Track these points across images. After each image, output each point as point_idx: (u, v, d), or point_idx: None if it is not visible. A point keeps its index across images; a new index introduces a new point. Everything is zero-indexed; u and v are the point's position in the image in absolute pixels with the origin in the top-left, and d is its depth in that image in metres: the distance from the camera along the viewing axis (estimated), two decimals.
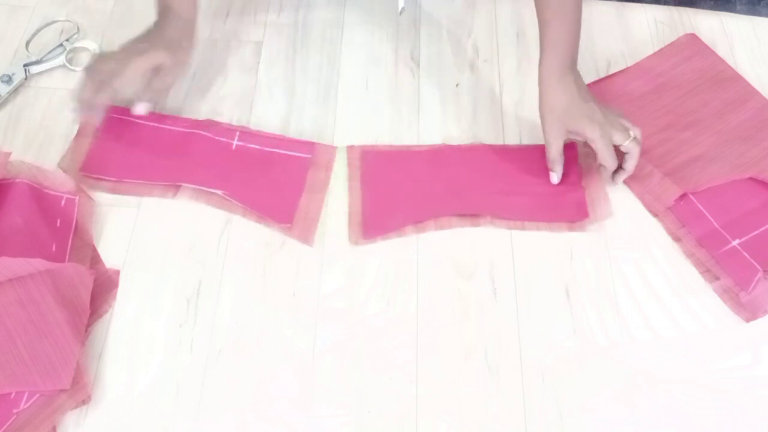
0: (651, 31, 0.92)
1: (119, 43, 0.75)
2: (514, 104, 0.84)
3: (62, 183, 0.73)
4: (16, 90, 0.82)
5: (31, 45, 0.86)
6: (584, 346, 0.67)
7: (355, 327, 0.68)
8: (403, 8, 0.88)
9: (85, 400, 0.62)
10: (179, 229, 0.73)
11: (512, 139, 0.81)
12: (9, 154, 0.73)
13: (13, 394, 0.60)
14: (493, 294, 0.70)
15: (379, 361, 0.66)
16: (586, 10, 0.92)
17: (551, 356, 0.67)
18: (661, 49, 0.88)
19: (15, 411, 0.60)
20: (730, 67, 0.86)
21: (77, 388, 0.61)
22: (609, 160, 0.73)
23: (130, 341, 0.66)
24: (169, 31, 0.76)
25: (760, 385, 0.66)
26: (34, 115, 0.81)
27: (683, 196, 0.75)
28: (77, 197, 0.72)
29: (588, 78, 0.85)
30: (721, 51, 0.89)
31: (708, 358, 0.67)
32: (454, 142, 0.80)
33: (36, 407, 0.60)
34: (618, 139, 0.72)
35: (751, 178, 0.75)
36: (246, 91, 0.84)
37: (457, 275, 0.71)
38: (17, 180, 0.71)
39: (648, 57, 0.87)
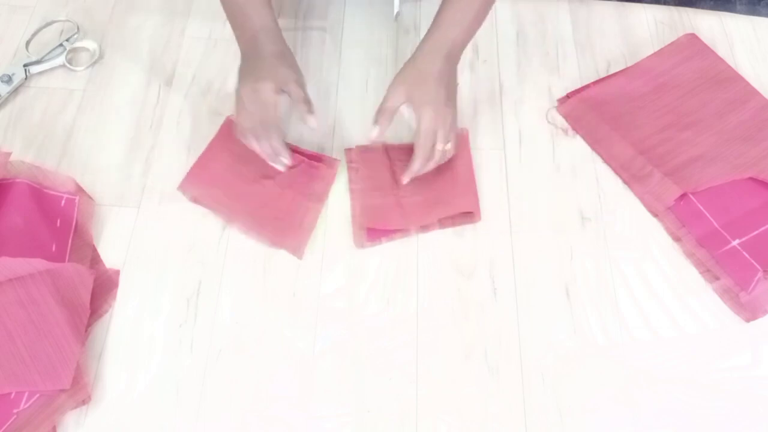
0: (651, 31, 0.92)
1: (118, 44, 0.75)
2: (514, 104, 0.84)
3: (62, 183, 0.73)
4: (16, 90, 0.83)
5: (31, 45, 0.86)
6: (584, 346, 0.67)
7: (355, 327, 0.68)
8: (398, 12, 0.88)
9: (85, 400, 0.62)
10: (179, 229, 0.73)
11: (512, 139, 0.81)
12: (9, 154, 0.73)
13: (13, 394, 0.60)
14: (493, 294, 0.70)
15: (379, 361, 0.66)
16: (586, 10, 0.93)
17: (551, 356, 0.67)
18: (661, 49, 0.88)
19: (15, 411, 0.60)
20: (730, 67, 0.86)
21: (77, 388, 0.61)
22: (419, 158, 0.72)
23: (130, 341, 0.66)
24: (268, 49, 0.73)
25: (760, 385, 0.66)
26: (34, 115, 0.81)
27: (683, 196, 0.75)
28: (77, 197, 0.72)
29: (588, 78, 0.86)
30: (721, 51, 0.89)
31: (708, 358, 0.67)
32: None
33: (36, 407, 0.60)
34: (440, 138, 0.71)
35: (751, 178, 0.75)
36: None
37: (457, 275, 0.71)
38: (17, 180, 0.71)
39: (648, 57, 0.87)
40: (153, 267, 0.71)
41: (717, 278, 0.71)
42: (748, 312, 0.69)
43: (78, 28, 0.88)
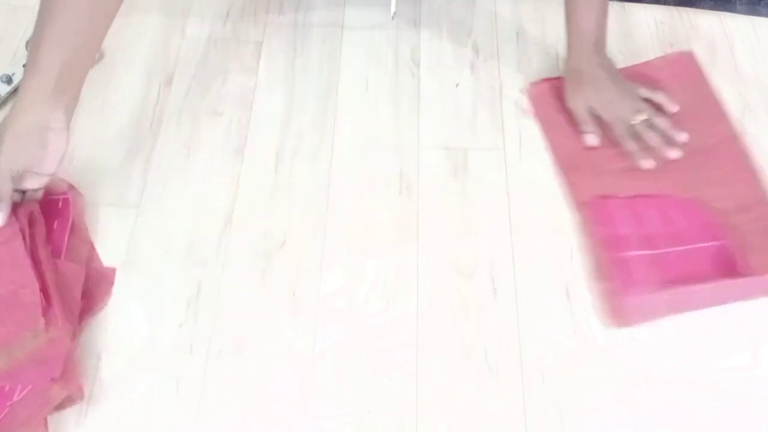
0: (651, 31, 0.92)
1: (118, 44, 0.75)
2: (514, 104, 0.84)
3: (55, 184, 0.73)
4: (15, 90, 0.82)
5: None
6: (584, 346, 0.67)
7: (355, 327, 0.68)
8: (395, 12, 0.88)
9: (76, 392, 0.62)
10: (179, 229, 0.73)
11: (512, 139, 0.81)
12: None
13: (6, 387, 0.61)
14: (493, 294, 0.70)
15: (379, 361, 0.66)
16: None
17: (551, 356, 0.67)
18: (652, 60, 0.87)
19: (8, 404, 0.60)
20: (712, 93, 0.84)
21: (68, 379, 0.61)
22: (625, 141, 0.78)
23: (130, 341, 0.66)
24: (32, 110, 0.62)
25: (760, 385, 0.66)
26: None
27: (604, 197, 0.75)
28: (70, 195, 0.72)
29: None
30: (721, 51, 0.89)
31: (708, 358, 0.67)
32: (453, 144, 0.80)
33: (29, 399, 0.60)
34: (626, 119, 0.78)
35: (684, 202, 0.75)
36: (246, 91, 0.84)
37: (457, 275, 0.71)
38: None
39: (637, 65, 0.87)
40: (153, 267, 0.71)
41: (604, 279, 0.70)
42: (620, 319, 0.68)
43: None
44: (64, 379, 0.61)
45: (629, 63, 0.87)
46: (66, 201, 0.72)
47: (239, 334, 0.67)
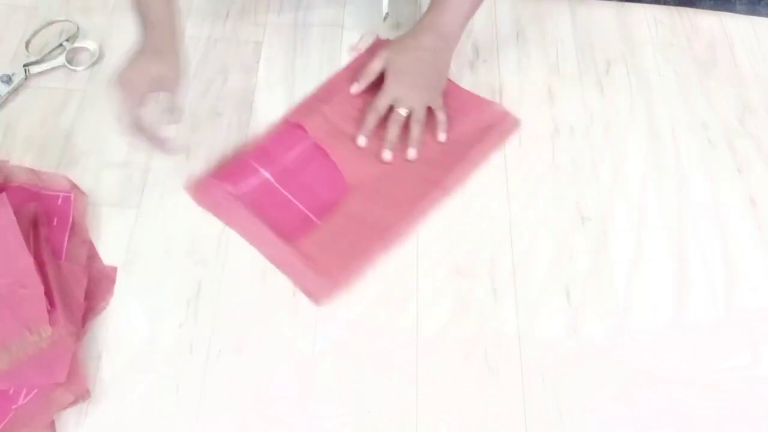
0: (651, 31, 0.92)
1: (118, 44, 0.75)
2: (514, 104, 0.84)
3: (57, 182, 0.73)
4: (16, 90, 0.82)
5: (31, 45, 0.86)
6: (584, 346, 0.67)
7: (355, 327, 0.68)
8: (387, 14, 0.88)
9: (83, 395, 0.62)
10: (179, 229, 0.73)
11: (512, 139, 0.81)
12: (6, 161, 0.74)
13: (11, 390, 0.61)
14: (493, 294, 0.70)
15: (379, 361, 0.66)
16: (586, 10, 0.93)
17: (551, 356, 0.67)
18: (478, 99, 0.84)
19: (14, 407, 0.60)
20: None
21: (74, 382, 0.61)
22: (370, 113, 0.76)
23: (130, 341, 0.66)
24: (152, 43, 0.70)
25: (760, 385, 0.66)
26: (34, 115, 0.81)
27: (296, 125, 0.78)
28: (72, 194, 0.72)
29: (588, 77, 0.86)
30: (721, 51, 0.89)
31: (708, 358, 0.67)
32: None
33: (34, 402, 0.60)
34: (405, 104, 0.76)
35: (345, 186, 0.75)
36: (246, 91, 0.84)
37: (457, 275, 0.71)
38: (13, 185, 0.72)
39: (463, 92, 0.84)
40: (153, 267, 0.71)
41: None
42: (191, 190, 0.72)
43: (78, 28, 0.88)
44: (70, 382, 0.61)
45: (629, 63, 0.88)
46: (66, 199, 0.72)
47: (239, 334, 0.67)
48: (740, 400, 0.65)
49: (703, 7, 0.93)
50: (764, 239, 0.74)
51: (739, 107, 0.85)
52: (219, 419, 0.63)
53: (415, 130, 0.77)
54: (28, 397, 0.61)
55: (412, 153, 0.77)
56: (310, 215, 0.73)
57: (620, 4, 0.94)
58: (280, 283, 0.70)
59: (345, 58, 0.87)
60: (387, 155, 0.76)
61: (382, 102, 0.77)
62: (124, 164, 0.77)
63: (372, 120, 0.77)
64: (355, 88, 0.80)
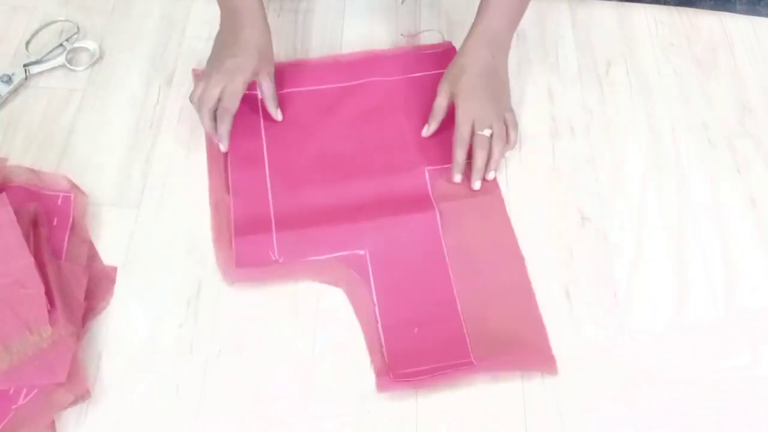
0: (651, 31, 0.92)
1: (118, 44, 0.75)
2: (514, 104, 0.83)
3: (57, 182, 0.73)
4: (16, 90, 0.82)
5: (31, 45, 0.86)
6: (584, 346, 0.67)
7: (355, 327, 0.68)
8: None
9: (83, 395, 0.62)
10: (179, 229, 0.73)
11: None
12: (5, 159, 0.74)
13: (11, 390, 0.61)
14: None
15: None
16: (586, 10, 0.93)
17: None
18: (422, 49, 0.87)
19: (14, 407, 0.60)
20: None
21: (75, 383, 0.61)
22: (457, 146, 0.74)
23: (130, 341, 0.66)
24: (247, 34, 0.75)
25: (760, 385, 0.66)
26: (34, 115, 0.81)
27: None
28: (72, 194, 0.72)
29: (589, 78, 0.86)
30: (721, 51, 0.89)
31: (708, 358, 0.67)
32: None
33: (34, 402, 0.60)
34: (474, 124, 0.74)
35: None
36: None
37: None
38: (13, 185, 0.72)
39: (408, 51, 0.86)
40: (153, 267, 0.71)
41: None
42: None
43: (78, 28, 0.88)
44: (70, 382, 0.61)
45: (629, 63, 0.88)
46: (66, 199, 0.72)
47: (239, 334, 0.67)
48: (740, 400, 0.65)
49: (703, 7, 0.94)
50: (764, 239, 0.74)
51: (739, 107, 0.85)
52: (219, 419, 0.63)
53: (497, 148, 0.75)
54: (29, 397, 0.61)
55: (492, 176, 0.76)
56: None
57: (620, 4, 0.94)
58: (280, 282, 0.70)
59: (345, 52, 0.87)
60: (477, 185, 0.75)
61: (465, 129, 0.74)
62: (124, 164, 0.77)
63: (462, 153, 0.74)
64: (427, 131, 0.78)
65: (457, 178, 0.75)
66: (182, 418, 0.62)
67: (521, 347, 0.66)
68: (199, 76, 0.78)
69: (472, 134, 0.74)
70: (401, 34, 0.89)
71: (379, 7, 0.92)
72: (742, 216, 0.76)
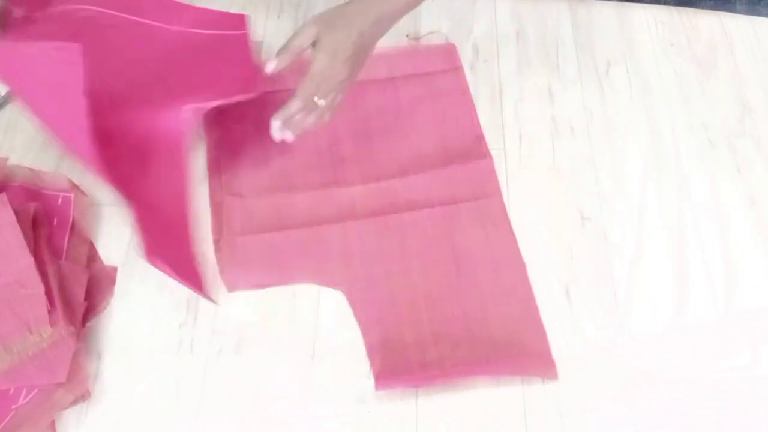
0: (651, 31, 0.92)
1: None
2: (514, 104, 0.84)
3: (57, 182, 0.73)
4: None
5: None
6: (584, 346, 0.67)
7: (355, 327, 0.68)
8: None
9: (84, 395, 0.62)
10: None
11: (512, 139, 0.81)
12: (6, 159, 0.74)
13: (11, 390, 0.61)
14: None
15: None
16: (586, 10, 0.93)
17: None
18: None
19: (14, 407, 0.60)
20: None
21: (75, 383, 0.61)
22: (297, 99, 0.67)
23: (130, 341, 0.66)
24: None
25: (760, 385, 0.66)
26: None
27: None
28: (72, 194, 0.72)
29: (588, 78, 0.86)
30: (721, 51, 0.89)
31: (708, 358, 0.67)
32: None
33: (35, 402, 0.61)
34: (322, 90, 0.67)
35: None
36: None
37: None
38: (13, 184, 0.72)
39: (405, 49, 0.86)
40: (153, 267, 0.70)
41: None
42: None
43: None
44: (70, 382, 0.61)
45: (629, 63, 0.88)
46: (66, 199, 0.72)
47: (239, 334, 0.67)
48: (740, 400, 0.65)
49: (703, 7, 0.94)
50: (764, 239, 0.74)
51: (739, 107, 0.85)
52: (219, 419, 0.63)
53: (314, 116, 0.70)
54: (29, 397, 0.61)
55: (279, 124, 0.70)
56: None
57: (620, 4, 0.94)
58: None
59: None
60: (288, 135, 0.71)
61: (310, 85, 0.68)
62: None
63: (300, 107, 0.69)
64: (272, 66, 0.69)
65: (275, 129, 0.70)
66: (182, 418, 0.63)
67: (521, 352, 0.66)
68: None
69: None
70: (406, 35, 0.88)
71: None
72: (742, 216, 0.76)
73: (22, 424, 0.60)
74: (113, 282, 0.69)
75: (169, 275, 0.64)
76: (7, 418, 0.60)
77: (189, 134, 0.69)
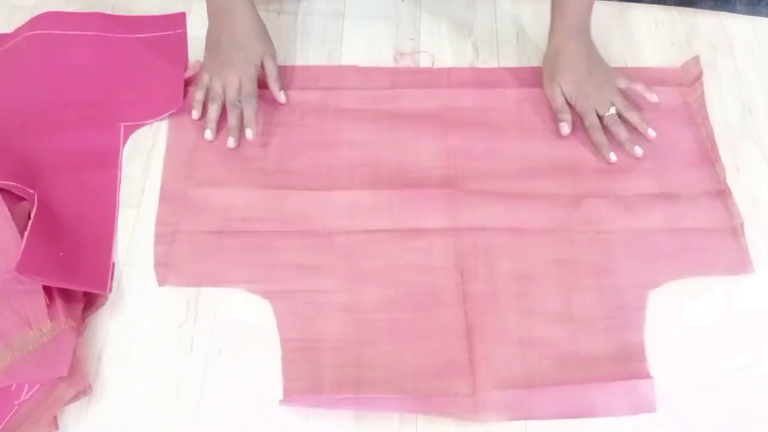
0: (651, 31, 0.92)
1: None
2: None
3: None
4: None
5: None
6: None
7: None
8: None
9: (85, 390, 0.62)
10: None
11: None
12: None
13: (14, 386, 0.61)
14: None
15: None
16: None
17: None
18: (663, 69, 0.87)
19: (16, 402, 0.60)
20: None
21: (76, 377, 0.61)
22: (594, 132, 0.78)
23: (130, 341, 0.66)
24: (246, 26, 0.79)
25: (760, 385, 0.66)
26: None
27: None
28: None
29: None
30: (721, 51, 0.89)
31: (708, 358, 0.67)
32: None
33: (37, 398, 0.61)
34: (597, 109, 0.78)
35: None
36: None
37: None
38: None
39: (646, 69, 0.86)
40: (153, 267, 0.70)
41: None
42: None
43: None
44: (71, 377, 0.61)
45: (629, 63, 0.88)
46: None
47: (239, 334, 0.67)
48: (740, 400, 0.65)
49: (703, 7, 0.94)
50: (764, 239, 0.74)
51: (739, 107, 0.85)
52: (219, 419, 0.63)
53: (631, 115, 0.78)
54: (31, 393, 0.61)
55: (639, 151, 0.77)
56: None
57: (620, 4, 0.94)
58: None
59: (345, 58, 0.87)
60: (638, 151, 0.77)
61: (592, 119, 0.78)
62: (124, 164, 0.77)
63: (601, 135, 0.77)
64: (565, 130, 0.78)
65: (612, 157, 0.76)
66: (182, 418, 0.63)
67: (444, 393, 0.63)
68: (200, 77, 0.80)
69: (601, 118, 0.78)
70: (399, 53, 0.88)
71: (380, 9, 0.92)
72: (742, 216, 0.76)
73: (25, 420, 0.60)
74: (112, 277, 0.69)
75: (47, 282, 0.64)
76: (10, 414, 0.60)
77: (120, 149, 0.77)
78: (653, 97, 0.80)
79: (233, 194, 0.74)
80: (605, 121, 0.78)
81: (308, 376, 0.64)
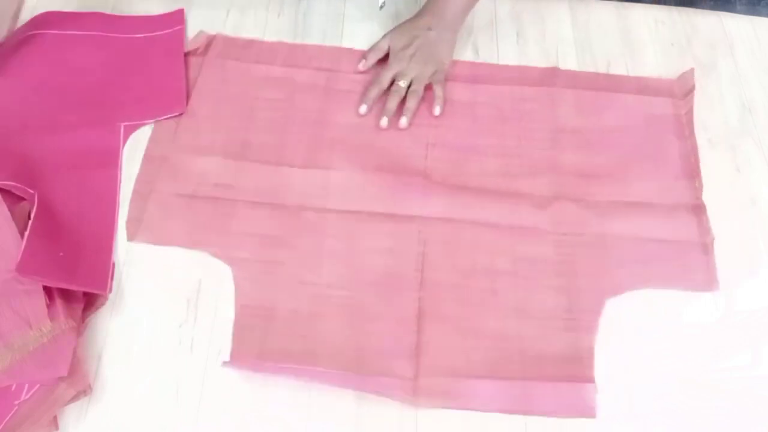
0: (651, 31, 0.92)
1: None
2: None
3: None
4: None
5: None
6: None
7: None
8: (383, 3, 0.88)
9: (85, 390, 0.62)
10: None
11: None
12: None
13: (14, 386, 0.61)
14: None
15: None
16: (586, 10, 0.93)
17: None
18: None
19: (16, 402, 0.60)
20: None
21: (77, 377, 0.61)
22: (373, 86, 0.81)
23: (130, 341, 0.66)
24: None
25: (760, 385, 0.66)
26: None
27: None
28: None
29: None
30: (721, 51, 0.89)
31: (708, 358, 0.67)
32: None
33: (37, 398, 0.61)
34: (397, 76, 0.81)
35: None
36: None
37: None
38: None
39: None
40: (153, 266, 0.70)
41: None
42: None
43: None
44: (72, 377, 0.61)
45: (629, 63, 0.88)
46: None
47: None
48: (740, 400, 0.65)
49: (703, 7, 0.94)
50: (764, 239, 0.74)
51: (739, 107, 0.85)
52: (219, 419, 0.63)
53: (411, 101, 0.79)
54: (31, 393, 0.61)
55: (403, 121, 0.79)
56: None
57: (620, 4, 0.94)
58: None
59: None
60: (384, 122, 0.79)
61: (385, 76, 0.81)
62: (124, 164, 0.77)
63: (375, 92, 0.80)
64: (363, 65, 0.83)
65: (363, 109, 0.80)
66: (182, 418, 0.62)
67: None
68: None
69: (392, 83, 0.81)
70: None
71: (380, 9, 0.92)
72: (742, 216, 0.76)
73: (25, 420, 0.60)
74: (112, 277, 0.69)
75: (47, 282, 0.64)
76: (10, 415, 0.60)
77: (120, 149, 0.76)
78: (436, 110, 0.80)
79: (211, 162, 0.75)
80: (392, 87, 0.80)
81: (257, 343, 0.65)
